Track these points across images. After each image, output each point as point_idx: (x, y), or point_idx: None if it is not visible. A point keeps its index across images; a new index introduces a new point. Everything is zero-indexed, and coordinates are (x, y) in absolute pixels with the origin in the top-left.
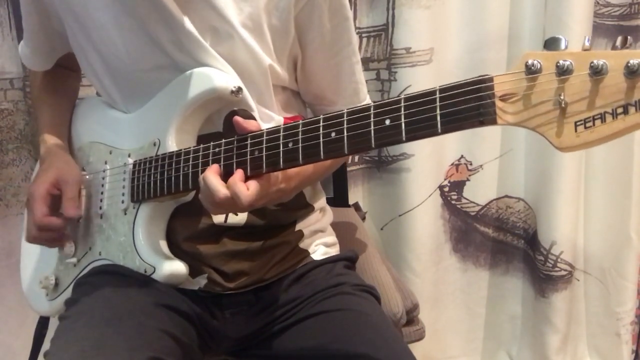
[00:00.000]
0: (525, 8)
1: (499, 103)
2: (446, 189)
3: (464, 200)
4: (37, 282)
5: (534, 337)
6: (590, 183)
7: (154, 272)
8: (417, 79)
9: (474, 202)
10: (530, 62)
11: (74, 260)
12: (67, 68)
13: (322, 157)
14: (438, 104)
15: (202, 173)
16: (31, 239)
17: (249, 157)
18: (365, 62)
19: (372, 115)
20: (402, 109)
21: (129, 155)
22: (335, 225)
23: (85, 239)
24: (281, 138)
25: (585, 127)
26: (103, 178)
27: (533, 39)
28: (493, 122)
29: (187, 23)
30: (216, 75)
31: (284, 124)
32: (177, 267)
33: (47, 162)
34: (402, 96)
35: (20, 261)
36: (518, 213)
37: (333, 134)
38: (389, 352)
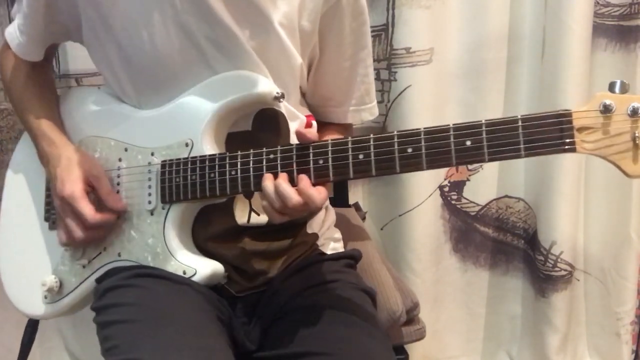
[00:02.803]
0: (525, 8)
1: (576, 134)
2: (446, 189)
3: (464, 200)
4: (32, 284)
5: (534, 337)
6: (590, 183)
7: (195, 273)
8: (417, 79)
9: (474, 202)
10: (607, 102)
11: (84, 261)
12: (43, 59)
13: (398, 170)
14: (521, 131)
15: (254, 178)
16: (73, 242)
17: (312, 165)
18: None
19: (452, 136)
20: (484, 132)
21: (153, 154)
22: (335, 225)
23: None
24: (350, 150)
25: None
26: (118, 176)
27: (533, 39)
28: (573, 150)
29: (227, 17)
30: (259, 79)
31: (353, 137)
32: (216, 267)
33: (64, 159)
34: (483, 121)
35: (1, 263)
36: (518, 213)
37: (409, 150)
38: (367, 352)
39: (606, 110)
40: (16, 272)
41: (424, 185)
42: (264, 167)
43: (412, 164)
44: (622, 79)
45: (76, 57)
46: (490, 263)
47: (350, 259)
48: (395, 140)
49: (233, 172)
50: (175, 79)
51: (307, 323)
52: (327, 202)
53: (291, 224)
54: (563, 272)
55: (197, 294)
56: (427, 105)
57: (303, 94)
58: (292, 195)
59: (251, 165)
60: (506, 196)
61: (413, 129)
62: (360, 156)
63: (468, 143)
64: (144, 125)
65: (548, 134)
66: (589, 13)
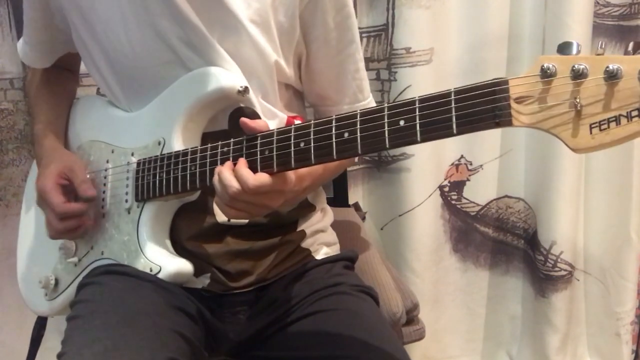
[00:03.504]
0: (525, 8)
1: (514, 105)
2: (446, 189)
3: (464, 200)
4: (36, 282)
5: (534, 337)
6: (590, 183)
7: (160, 270)
8: (417, 79)
9: (474, 202)
10: (545, 65)
11: (75, 259)
12: (66, 69)
13: (335, 157)
14: (453, 105)
15: (210, 172)
16: (55, 234)
17: (259, 156)
18: (365, 62)
19: (386, 116)
20: (417, 110)
21: (132, 154)
22: (335, 225)
23: (87, 238)
24: (292, 138)
25: (600, 130)
26: (105, 177)
27: (533, 39)
28: (509, 123)
29: (195, 18)
30: (223, 74)
31: (294, 124)
32: (182, 265)
33: (45, 159)
34: (417, 97)
35: (17, 261)
36: (518, 213)
37: (346, 134)
38: (382, 353)
39: (545, 74)
40: (27, 269)
41: (424, 185)
42: (218, 161)
43: (349, 149)
44: None
45: None
46: (490, 263)
47: (348, 260)
48: (334, 124)
49: (193, 168)
50: (156, 81)
51: (321, 327)
52: (325, 204)
53: (279, 224)
54: (563, 272)
55: (162, 291)
56: None
57: (301, 94)
58: (232, 183)
59: (208, 159)
60: (506, 196)
61: (351, 112)
62: (302, 144)
63: (402, 123)
64: (128, 127)
65: (481, 106)
66: (589, 13)
